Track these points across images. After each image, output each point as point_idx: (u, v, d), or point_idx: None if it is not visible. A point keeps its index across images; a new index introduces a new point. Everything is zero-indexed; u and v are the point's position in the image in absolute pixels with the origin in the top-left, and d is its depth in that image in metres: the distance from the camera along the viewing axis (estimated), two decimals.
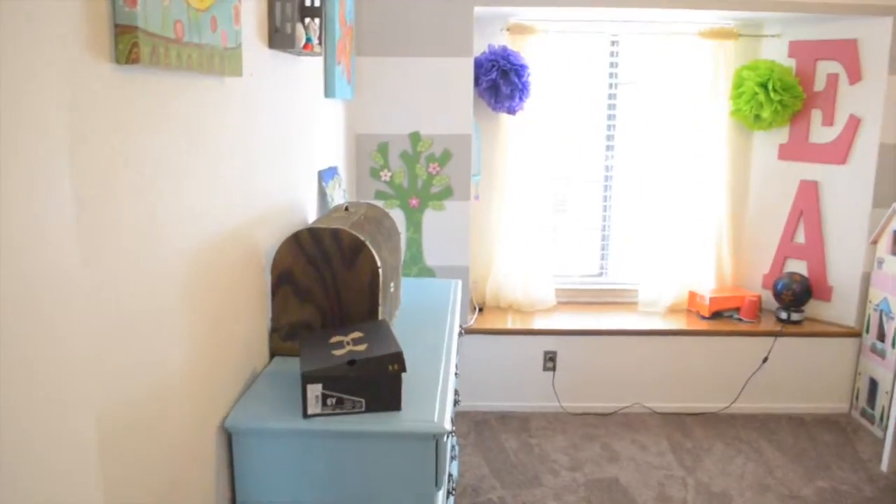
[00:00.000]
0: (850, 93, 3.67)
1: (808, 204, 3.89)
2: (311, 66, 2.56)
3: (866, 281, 3.73)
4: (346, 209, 2.34)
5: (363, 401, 1.67)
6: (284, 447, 1.66)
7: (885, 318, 3.57)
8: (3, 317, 0.90)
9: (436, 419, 1.67)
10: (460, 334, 2.51)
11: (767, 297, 4.03)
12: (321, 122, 2.80)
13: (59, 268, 1.03)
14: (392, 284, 2.28)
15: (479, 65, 3.62)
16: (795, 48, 3.81)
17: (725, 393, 3.87)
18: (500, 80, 3.60)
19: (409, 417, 1.67)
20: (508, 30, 3.79)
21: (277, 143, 2.14)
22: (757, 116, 3.77)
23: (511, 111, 3.73)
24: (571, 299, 4.22)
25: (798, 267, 3.97)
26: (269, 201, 2.06)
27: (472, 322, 3.83)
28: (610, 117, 4.12)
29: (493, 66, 3.59)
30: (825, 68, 3.73)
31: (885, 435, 3.46)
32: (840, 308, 3.86)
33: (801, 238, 3.95)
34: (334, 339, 1.80)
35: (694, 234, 4.02)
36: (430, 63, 3.52)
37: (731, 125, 3.95)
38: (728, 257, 4.11)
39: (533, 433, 3.62)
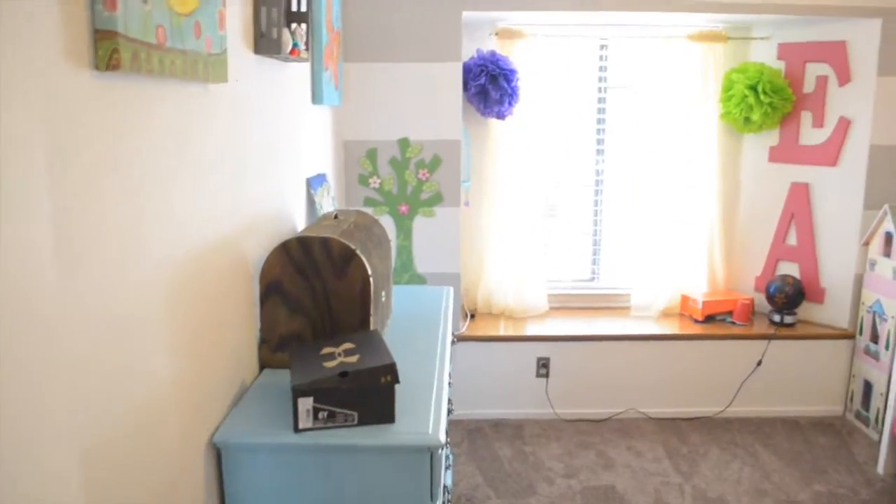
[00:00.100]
0: (840, 94, 3.66)
1: (799, 206, 3.88)
2: (297, 72, 2.52)
3: (859, 283, 3.72)
4: (336, 217, 2.30)
5: (356, 414, 1.63)
6: (275, 463, 1.62)
7: (878, 320, 3.56)
8: None
9: (430, 431, 1.63)
10: (453, 342, 2.47)
11: (760, 299, 4.02)
12: (309, 128, 2.76)
13: (35, 282, 0.98)
14: (383, 293, 2.24)
15: (467, 70, 3.60)
16: (784, 50, 3.80)
17: (720, 397, 3.84)
18: (489, 85, 3.57)
19: (403, 430, 1.63)
20: (497, 34, 3.76)
21: (265, 151, 2.10)
22: (747, 119, 3.76)
23: (500, 116, 3.70)
24: (563, 304, 4.19)
25: (790, 269, 3.96)
26: (256, 210, 2.02)
27: (463, 329, 3.80)
28: (600, 121, 4.10)
29: (482, 70, 3.57)
30: (814, 70, 3.73)
31: (880, 437, 3.45)
32: (833, 310, 3.85)
33: (792, 240, 3.94)
34: (325, 351, 1.76)
35: (685, 237, 4.00)
36: (419, 68, 3.49)
37: (721, 128, 3.94)
38: (720, 260, 4.09)
39: (527, 441, 3.59)
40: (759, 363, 3.80)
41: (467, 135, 3.76)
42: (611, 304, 4.22)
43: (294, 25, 2.17)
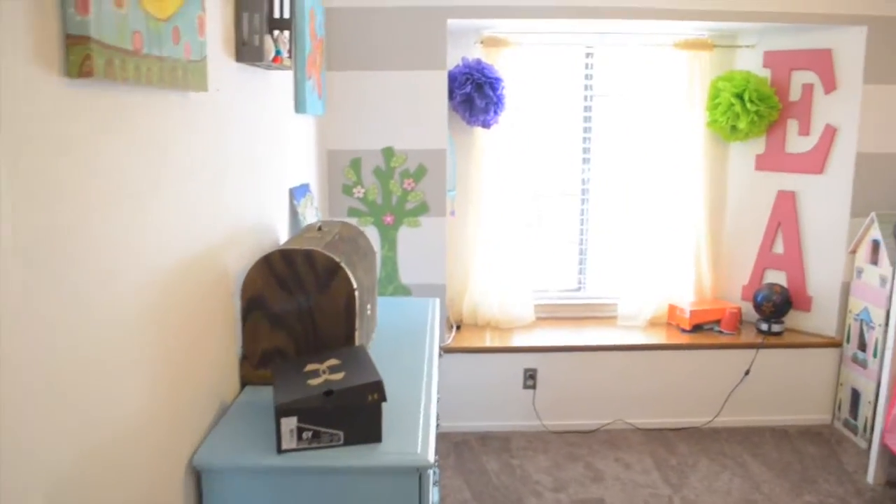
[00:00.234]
0: (826, 102, 3.66)
1: (786, 214, 3.87)
2: (280, 81, 2.47)
3: (846, 291, 3.71)
4: (320, 229, 2.24)
5: (341, 433, 1.57)
6: (258, 485, 1.55)
7: (865, 328, 3.55)
8: None
9: (419, 451, 1.57)
10: (439, 356, 2.42)
11: (747, 308, 4.00)
12: (292, 138, 2.70)
13: None
14: (368, 306, 2.18)
15: (452, 78, 3.56)
16: (770, 58, 3.80)
17: (708, 407, 3.81)
18: (474, 94, 3.53)
19: (391, 450, 1.57)
20: (482, 43, 3.73)
21: (246, 161, 2.04)
22: (733, 127, 3.74)
23: (486, 125, 3.66)
24: (550, 315, 4.15)
25: (777, 278, 3.94)
26: (238, 222, 1.96)
27: (449, 340, 3.74)
28: (586, 130, 4.07)
29: (468, 79, 3.53)
30: (800, 78, 3.72)
31: (868, 446, 3.43)
32: (820, 318, 3.84)
33: (779, 249, 3.93)
34: (309, 368, 1.70)
35: (672, 246, 3.98)
36: (403, 77, 3.45)
37: (708, 136, 3.92)
38: (707, 269, 4.07)
39: (514, 453, 3.53)
40: (748, 372, 3.77)
41: (452, 144, 3.72)
42: (597, 314, 4.18)
43: (276, 33, 2.12)
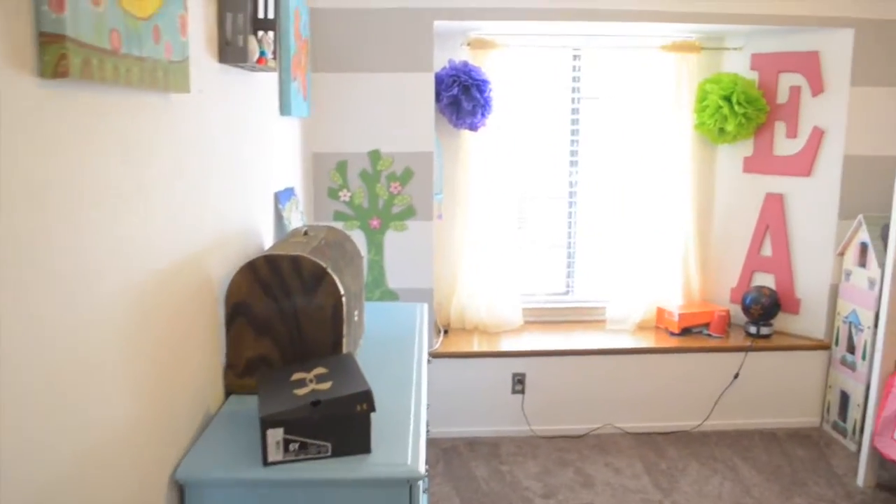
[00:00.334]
0: (813, 105, 3.65)
1: (774, 217, 3.86)
2: (265, 82, 2.42)
3: (834, 293, 3.71)
4: (305, 233, 2.20)
5: (329, 445, 1.52)
6: (243, 499, 1.50)
7: (854, 331, 3.54)
8: None
9: (409, 462, 1.53)
10: (428, 362, 2.38)
11: (736, 311, 3.98)
12: (277, 140, 2.65)
13: None
14: (356, 313, 2.14)
15: (439, 80, 3.52)
16: (758, 61, 3.79)
17: (697, 410, 3.80)
18: (461, 96, 3.50)
19: (380, 461, 1.53)
20: (469, 44, 3.69)
21: (230, 165, 1.99)
22: (721, 130, 3.73)
23: (473, 128, 3.63)
24: (538, 318, 4.12)
25: (765, 280, 3.93)
26: (221, 227, 1.91)
27: (437, 345, 3.70)
28: (573, 132, 4.04)
29: (455, 81, 3.49)
30: (788, 80, 3.72)
31: (858, 448, 3.42)
32: (808, 321, 3.83)
33: (767, 251, 3.92)
34: (296, 377, 1.65)
35: (660, 249, 3.96)
36: (390, 79, 3.41)
37: (696, 139, 3.91)
38: (695, 272, 4.05)
39: (504, 459, 3.49)
40: (737, 376, 3.76)
41: (439, 146, 3.68)
42: (586, 318, 4.15)
43: (261, 33, 2.07)
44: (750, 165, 3.91)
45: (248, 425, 1.69)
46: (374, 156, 3.47)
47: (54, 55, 1.03)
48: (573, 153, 4.06)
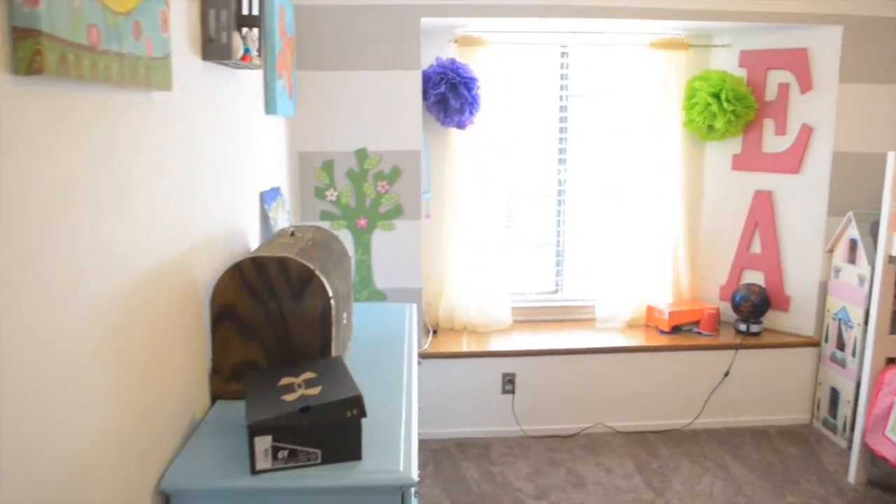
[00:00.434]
0: (802, 102, 3.64)
1: (763, 214, 3.85)
2: (249, 80, 2.37)
3: (823, 290, 3.70)
4: (292, 234, 2.15)
5: (319, 452, 1.48)
6: None
7: (843, 327, 3.54)
8: None
9: (401, 468, 1.49)
10: (418, 363, 2.34)
11: (725, 308, 3.97)
12: (262, 139, 2.60)
13: None
14: (345, 314, 2.10)
15: (427, 78, 3.48)
16: (746, 58, 3.78)
17: (688, 409, 3.78)
18: (449, 94, 3.46)
19: (371, 468, 1.49)
20: (456, 42, 3.65)
21: (214, 164, 1.95)
22: (710, 127, 3.71)
23: (461, 126, 3.59)
24: (527, 318, 4.09)
25: (755, 278, 3.92)
26: (206, 228, 1.86)
27: (426, 345, 3.67)
28: (562, 130, 4.02)
29: (442, 79, 3.45)
30: (776, 77, 3.71)
31: (849, 445, 3.42)
32: (798, 318, 3.82)
33: (757, 248, 3.91)
34: (284, 382, 1.61)
35: (649, 247, 3.94)
36: (377, 77, 3.36)
37: (685, 136, 3.89)
38: (685, 270, 4.04)
39: (494, 460, 3.46)
40: (727, 373, 3.74)
41: (427, 145, 3.64)
42: (575, 317, 4.13)
43: (245, 30, 2.03)
44: (739, 163, 3.89)
45: (235, 432, 1.65)
46: (361, 154, 3.43)
47: (28, 51, 0.98)
48: (562, 151, 4.04)
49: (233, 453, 1.55)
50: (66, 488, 1.13)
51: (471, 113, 3.55)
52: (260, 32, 2.16)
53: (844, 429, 3.55)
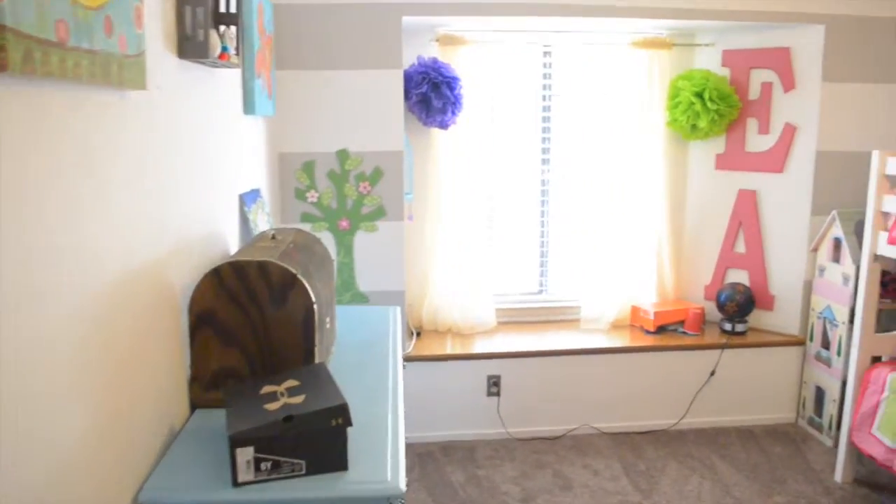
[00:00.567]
0: (785, 101, 3.64)
1: (747, 213, 3.84)
2: (227, 80, 2.31)
3: (808, 289, 3.70)
4: (273, 237, 2.10)
5: (303, 462, 1.43)
6: None
7: (828, 326, 3.54)
8: None
9: (389, 478, 1.45)
10: (403, 367, 2.29)
11: (710, 308, 3.96)
12: (241, 140, 2.54)
13: None
14: (328, 319, 2.05)
15: (408, 78, 3.43)
16: (729, 57, 3.77)
17: (673, 409, 3.77)
18: (431, 94, 3.41)
19: (358, 479, 1.44)
20: (438, 41, 3.61)
21: (192, 166, 1.89)
22: (694, 126, 3.70)
23: (443, 126, 3.55)
24: (511, 319, 4.06)
25: (739, 277, 3.92)
26: (183, 232, 1.80)
27: (410, 348, 3.62)
28: (545, 130, 3.99)
29: (424, 78, 3.41)
30: (759, 77, 3.70)
31: (835, 444, 3.42)
32: (782, 317, 3.82)
33: (741, 248, 3.90)
34: (266, 390, 1.56)
35: (633, 247, 3.92)
36: (358, 76, 3.31)
37: (668, 136, 3.87)
38: (669, 270, 4.03)
39: (480, 463, 3.42)
40: (713, 373, 3.73)
41: (409, 145, 3.60)
42: (560, 318, 4.10)
43: (222, 28, 1.97)
44: (722, 162, 3.88)
45: (215, 442, 1.59)
46: (343, 155, 3.38)
47: None
48: (545, 151, 4.01)
49: (213, 465, 1.49)
50: (40, 500, 1.07)
51: (453, 113, 3.51)
52: (238, 30, 2.10)
53: (830, 427, 3.55)
